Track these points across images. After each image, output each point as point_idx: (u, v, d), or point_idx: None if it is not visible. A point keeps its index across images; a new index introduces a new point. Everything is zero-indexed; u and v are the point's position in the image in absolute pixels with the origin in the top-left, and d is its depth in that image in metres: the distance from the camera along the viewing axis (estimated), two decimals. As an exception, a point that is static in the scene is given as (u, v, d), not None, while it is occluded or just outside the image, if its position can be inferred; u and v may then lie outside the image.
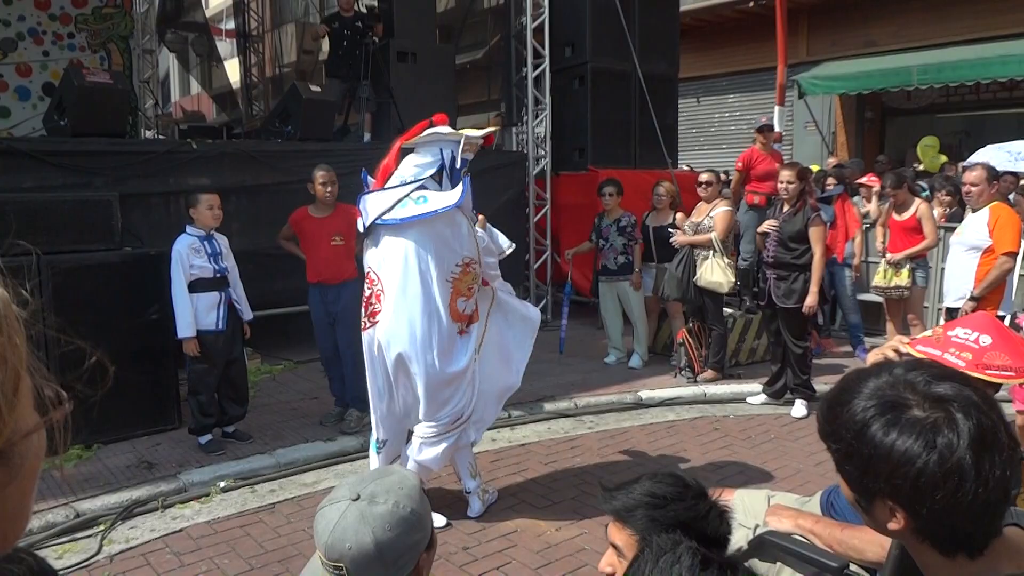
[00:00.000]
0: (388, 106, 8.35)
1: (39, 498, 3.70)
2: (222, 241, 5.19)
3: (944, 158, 11.40)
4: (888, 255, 6.79)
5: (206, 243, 5.04)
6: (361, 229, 4.07)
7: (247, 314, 5.31)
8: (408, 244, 3.87)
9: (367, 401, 5.50)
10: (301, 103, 7.62)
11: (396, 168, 4.04)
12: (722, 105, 15.00)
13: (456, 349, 4.02)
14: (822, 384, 6.18)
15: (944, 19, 11.80)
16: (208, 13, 16.46)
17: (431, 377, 3.94)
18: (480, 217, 4.53)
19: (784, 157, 9.34)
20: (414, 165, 4.00)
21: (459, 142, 4.01)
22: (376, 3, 9.50)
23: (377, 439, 4.24)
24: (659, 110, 9.05)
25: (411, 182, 3.94)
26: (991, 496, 1.06)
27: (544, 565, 3.77)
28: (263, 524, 4.19)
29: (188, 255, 4.93)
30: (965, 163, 8.87)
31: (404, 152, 4.11)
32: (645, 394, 6.33)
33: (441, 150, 4.00)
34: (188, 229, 5.05)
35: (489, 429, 5.58)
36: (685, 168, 10.54)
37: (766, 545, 2.35)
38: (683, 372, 6.76)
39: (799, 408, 5.98)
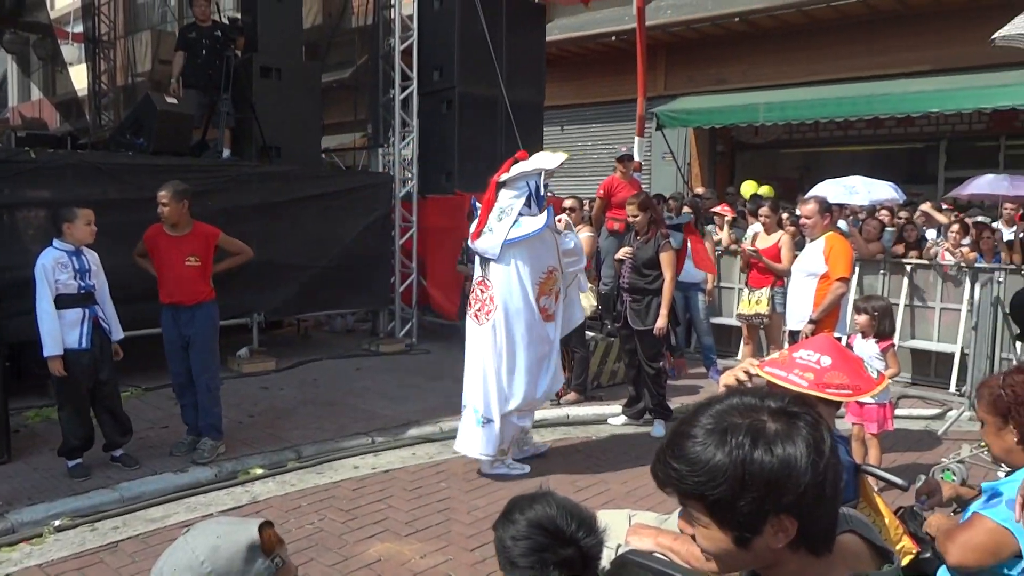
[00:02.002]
0: (250, 122, 8.08)
1: None
2: (92, 257, 4.93)
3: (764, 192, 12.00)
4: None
5: (74, 258, 4.79)
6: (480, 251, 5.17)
7: (116, 333, 5.06)
8: (512, 259, 5.04)
9: (221, 429, 5.33)
10: (155, 114, 7.25)
11: (496, 201, 5.12)
12: (585, 134, 15.46)
13: (543, 335, 5.21)
14: (678, 404, 6.44)
15: (788, 61, 12.68)
16: (53, 15, 15.44)
17: (530, 356, 5.14)
18: (562, 219, 5.68)
19: (643, 185, 9.72)
20: (509, 197, 5.09)
21: (541, 173, 5.10)
22: (239, 15, 9.20)
23: (483, 416, 5.14)
24: (525, 136, 9.21)
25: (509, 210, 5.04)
26: (840, 484, 1.17)
27: (407, 594, 3.70)
28: (104, 565, 3.89)
29: (53, 270, 4.67)
30: (808, 196, 9.53)
31: (499, 185, 5.16)
32: (510, 417, 6.36)
33: (527, 182, 5.07)
34: (55, 243, 4.79)
35: (352, 455, 5.49)
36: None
37: (628, 564, 2.39)
38: (559, 400, 6.83)
39: (658, 428, 6.18)
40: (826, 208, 5.73)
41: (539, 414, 6.45)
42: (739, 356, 7.68)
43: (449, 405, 6.61)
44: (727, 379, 2.27)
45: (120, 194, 6.74)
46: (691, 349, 8.59)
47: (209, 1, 8.45)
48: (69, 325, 4.76)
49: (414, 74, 9.33)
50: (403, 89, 9.30)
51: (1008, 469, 2.51)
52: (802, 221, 5.75)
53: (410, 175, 9.50)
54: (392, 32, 9.37)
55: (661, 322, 5.99)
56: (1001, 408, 2.22)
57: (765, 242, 7.43)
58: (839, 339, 5.44)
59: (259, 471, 5.11)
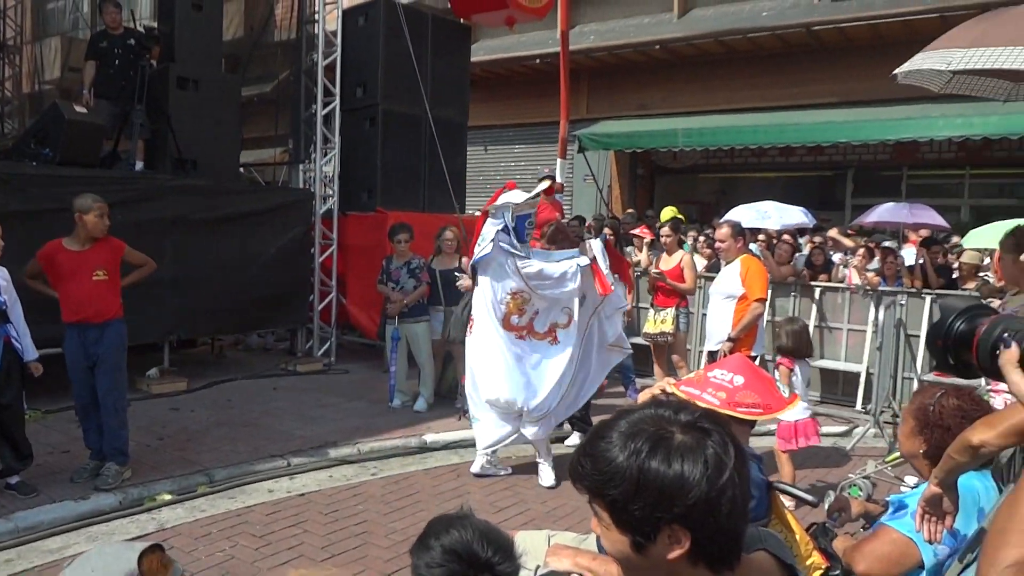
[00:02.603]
0: (165, 133, 7.83)
1: None
2: (1, 273, 4.69)
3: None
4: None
5: None
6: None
7: (29, 353, 4.80)
8: (481, 278, 5.59)
9: (128, 453, 5.10)
10: (63, 124, 6.95)
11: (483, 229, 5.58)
12: (508, 155, 15.57)
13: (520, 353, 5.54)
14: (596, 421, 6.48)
15: (706, 89, 13.09)
16: (-47, 18, 14.66)
17: (508, 365, 5.51)
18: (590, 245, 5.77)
19: (564, 207, 9.82)
20: (490, 224, 5.52)
21: (509, 207, 5.47)
22: (155, 24, 8.94)
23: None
24: (448, 156, 9.21)
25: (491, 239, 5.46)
26: (747, 495, 1.19)
27: (322, 622, 3.59)
28: (-6, 598, 3.67)
29: None
30: (723, 220, 9.81)
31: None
32: (430, 437, 6.30)
33: (503, 213, 5.46)
34: None
35: (266, 479, 5.34)
36: (477, 213, 10.76)
37: (546, 585, 2.39)
38: (467, 415, 6.80)
39: (574, 439, 6.31)
40: (739, 232, 5.95)
41: (459, 434, 6.43)
42: (654, 376, 7.82)
43: (369, 426, 6.52)
44: (644, 398, 2.30)
45: (23, 206, 6.41)
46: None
47: (120, 8, 8.19)
48: None
49: (337, 90, 9.24)
50: (325, 105, 9.20)
51: (913, 485, 2.62)
52: (717, 245, 5.95)
53: (331, 192, 9.37)
54: (315, 47, 9.26)
55: None
56: (922, 418, 2.33)
57: (668, 263, 7.63)
58: (755, 357, 5.62)
59: (167, 497, 4.91)
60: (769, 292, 7.83)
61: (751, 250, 8.25)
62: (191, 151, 7.97)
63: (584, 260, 5.48)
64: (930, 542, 2.01)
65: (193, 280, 7.71)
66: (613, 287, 5.64)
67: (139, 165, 7.76)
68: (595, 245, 5.66)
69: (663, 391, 2.30)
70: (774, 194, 11.29)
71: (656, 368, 7.73)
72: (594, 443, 1.24)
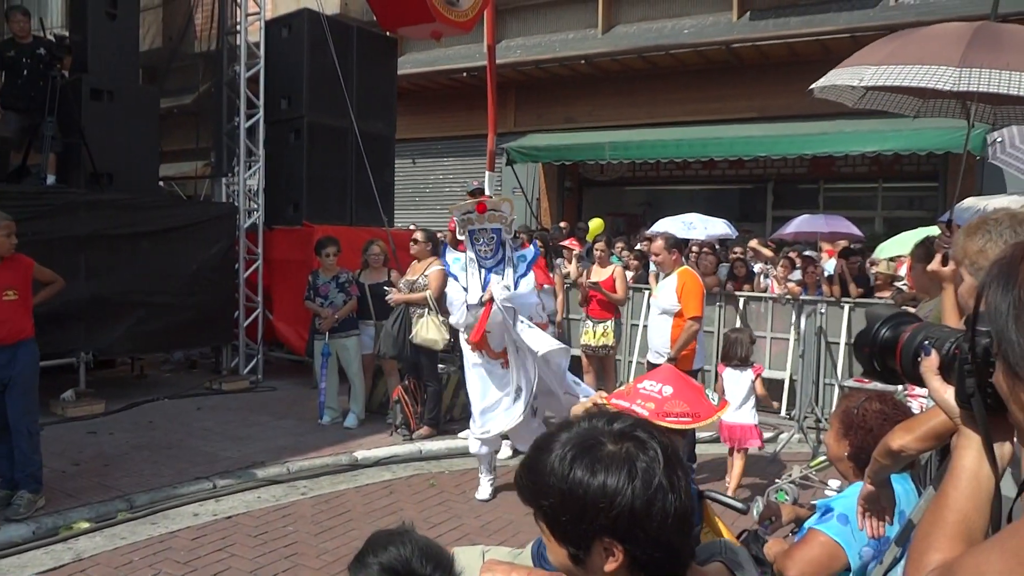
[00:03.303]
0: (78, 147, 7.54)
1: None
2: None
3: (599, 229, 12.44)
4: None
5: None
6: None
7: None
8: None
9: (41, 480, 4.87)
10: (-33, 137, 6.64)
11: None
12: (437, 167, 15.53)
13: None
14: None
15: (631, 104, 13.32)
16: None
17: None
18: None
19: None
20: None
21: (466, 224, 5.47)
22: (67, 33, 8.61)
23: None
24: (376, 168, 9.13)
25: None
26: (684, 506, 1.17)
27: (250, 649, 3.48)
28: None
29: None
30: (650, 232, 10.01)
31: None
32: (361, 454, 6.20)
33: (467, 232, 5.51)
34: None
35: (191, 502, 5.16)
36: (412, 227, 10.67)
37: (481, 602, 2.37)
38: (399, 430, 6.75)
39: (506, 450, 6.30)
40: (673, 244, 5.97)
41: (391, 450, 6.36)
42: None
43: (298, 444, 6.38)
44: (577, 411, 2.31)
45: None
46: (542, 380, 8.70)
47: (28, 17, 7.84)
48: None
49: (260, 102, 9.08)
50: (249, 117, 9.03)
51: (838, 489, 2.69)
52: (652, 257, 6.03)
53: (256, 206, 9.18)
54: (238, 59, 9.07)
55: None
56: (847, 422, 2.40)
57: (600, 275, 7.75)
58: (696, 371, 5.74)
59: (85, 525, 4.69)
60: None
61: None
62: (107, 164, 7.69)
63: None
64: (873, 537, 2.06)
65: (110, 298, 7.43)
66: (538, 295, 5.75)
67: (51, 179, 7.44)
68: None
69: (595, 404, 2.32)
70: (698, 206, 11.57)
71: (586, 378, 7.79)
72: (533, 454, 1.25)
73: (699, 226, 9.60)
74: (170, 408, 7.54)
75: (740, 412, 5.53)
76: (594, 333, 7.70)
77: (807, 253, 9.57)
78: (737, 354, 5.67)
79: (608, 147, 12.45)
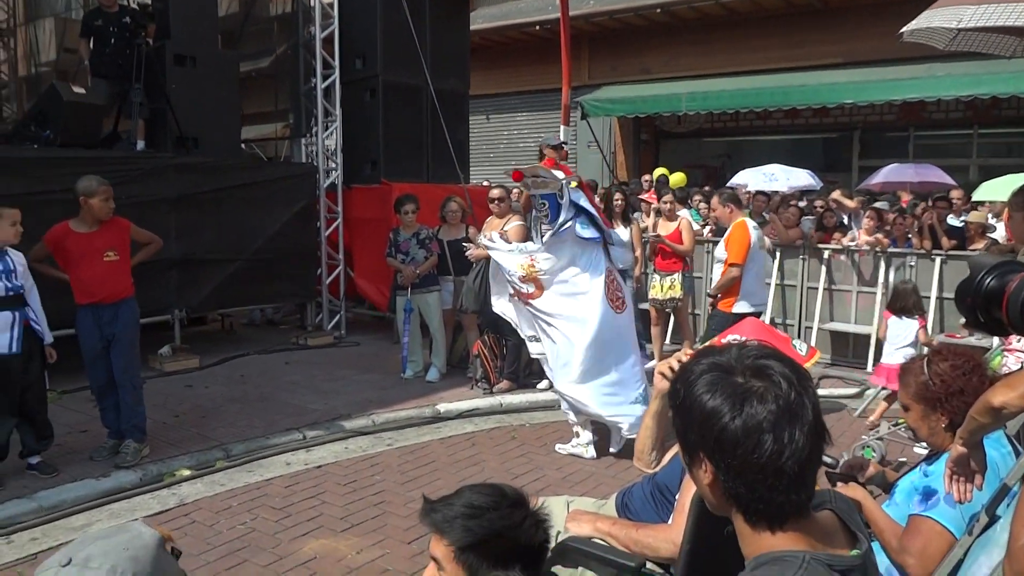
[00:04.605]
0: (164, 112, 7.78)
1: None
2: (17, 258, 4.69)
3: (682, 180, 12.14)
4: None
5: None
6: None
7: (47, 336, 4.82)
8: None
9: (145, 430, 5.14)
10: (62, 105, 6.90)
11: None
12: (511, 123, 15.47)
13: None
14: None
15: (709, 53, 12.96)
16: (-55, 1, 14.51)
17: None
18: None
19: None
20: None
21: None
22: (149, 1, 8.83)
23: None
24: (450, 125, 9.15)
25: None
26: (786, 465, 1.16)
27: (346, 591, 3.64)
28: (23, 577, 3.71)
29: None
30: (731, 183, 9.82)
31: None
32: (443, 407, 6.33)
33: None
34: None
35: (283, 452, 5.38)
36: (486, 183, 10.70)
37: (568, 551, 2.41)
38: (479, 384, 6.85)
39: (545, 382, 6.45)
40: (728, 199, 6.35)
41: (472, 403, 6.47)
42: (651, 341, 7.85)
43: (382, 398, 6.55)
44: (662, 367, 2.30)
45: (26, 188, 6.37)
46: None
47: (113, -14, 8.07)
48: None
49: (336, 63, 9.15)
50: (325, 78, 9.12)
51: (927, 449, 2.60)
52: (711, 213, 6.44)
53: (334, 165, 9.32)
54: (312, 20, 9.15)
55: None
56: (930, 398, 2.30)
57: (667, 228, 7.70)
58: (741, 316, 5.82)
59: (186, 472, 4.94)
60: (778, 256, 7.95)
61: (762, 215, 8.35)
62: (192, 128, 7.92)
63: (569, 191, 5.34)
64: (960, 502, 1.99)
65: (199, 256, 7.71)
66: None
67: (140, 144, 7.71)
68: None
69: (679, 360, 2.29)
70: (780, 157, 11.22)
71: (654, 331, 7.76)
72: (688, 362, 1.32)
73: (781, 177, 9.33)
74: (259, 363, 7.83)
75: (896, 355, 5.76)
76: (661, 287, 7.65)
77: (877, 204, 9.09)
78: (903, 304, 5.97)
79: (685, 98, 12.18)
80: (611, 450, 5.42)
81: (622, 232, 7.85)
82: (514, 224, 6.75)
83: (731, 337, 2.45)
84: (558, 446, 5.53)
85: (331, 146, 9.30)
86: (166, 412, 6.08)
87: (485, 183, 10.59)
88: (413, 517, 4.37)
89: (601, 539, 2.48)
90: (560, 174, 5.43)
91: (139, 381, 5.20)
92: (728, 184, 10.22)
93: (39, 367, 4.84)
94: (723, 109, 12.45)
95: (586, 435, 5.46)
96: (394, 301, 7.51)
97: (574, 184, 5.42)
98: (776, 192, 9.52)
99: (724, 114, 13.08)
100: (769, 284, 8.16)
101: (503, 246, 5.65)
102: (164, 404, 6.25)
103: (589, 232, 5.32)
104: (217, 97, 8.30)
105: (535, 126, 14.81)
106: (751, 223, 6.27)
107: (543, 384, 6.64)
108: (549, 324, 5.37)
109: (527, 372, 7.22)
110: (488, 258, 6.73)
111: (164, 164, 7.57)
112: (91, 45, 8.04)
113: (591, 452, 5.40)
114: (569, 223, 5.26)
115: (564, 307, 5.32)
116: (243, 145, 10.00)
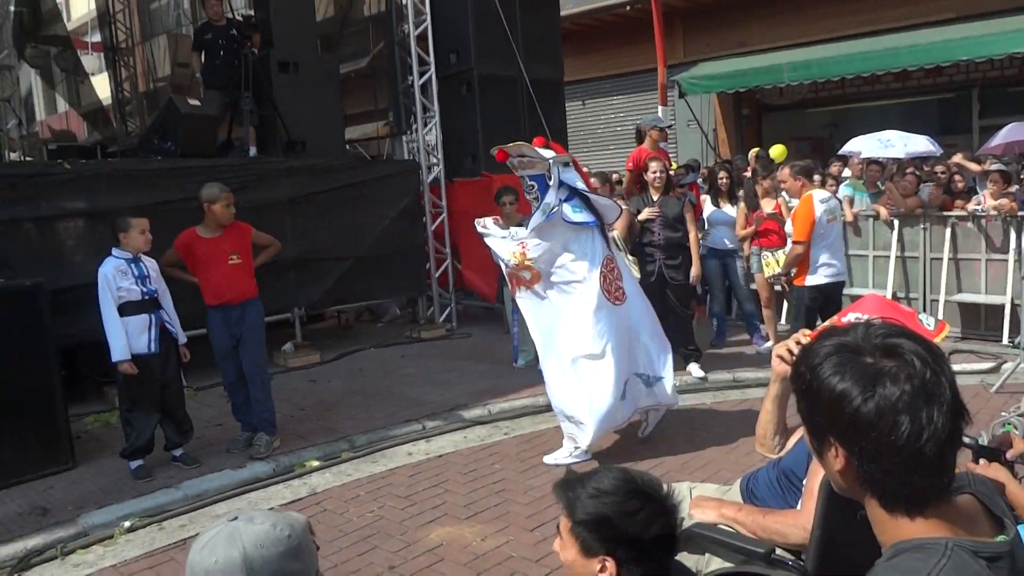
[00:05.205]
0: (273, 118, 8.08)
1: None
2: (150, 264, 5.04)
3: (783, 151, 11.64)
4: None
5: (132, 265, 4.90)
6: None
7: (181, 336, 5.16)
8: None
9: (275, 424, 5.38)
10: (180, 118, 7.29)
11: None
12: (607, 107, 15.31)
13: None
14: (727, 374, 6.53)
15: (809, 19, 12.44)
16: (70, 26, 15.51)
17: None
18: None
19: (670, 155, 9.60)
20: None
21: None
22: (252, 12, 9.18)
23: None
24: (547, 113, 9.12)
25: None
26: (925, 447, 1.10)
27: (475, 577, 3.71)
28: (175, 563, 3.95)
29: (115, 277, 4.79)
30: (843, 151, 9.44)
31: None
32: (557, 395, 6.33)
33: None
34: (114, 252, 4.90)
35: (404, 442, 5.53)
36: (584, 170, 10.66)
37: (693, 537, 2.37)
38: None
39: (695, 368, 6.61)
40: (799, 171, 6.29)
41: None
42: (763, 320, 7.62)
43: (496, 387, 6.62)
44: (780, 350, 2.24)
45: (154, 199, 6.74)
46: (732, 317, 8.48)
47: (220, 0, 8.43)
48: (137, 331, 4.86)
49: (431, 58, 9.27)
50: (421, 75, 9.25)
51: None
52: (781, 185, 6.54)
53: (436, 160, 9.46)
54: (405, 18, 9.29)
55: (695, 270, 6.57)
56: None
57: (768, 205, 7.46)
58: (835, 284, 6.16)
59: (315, 463, 5.15)
60: (896, 225, 7.55)
61: (877, 184, 8.00)
62: (299, 133, 8.20)
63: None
64: None
65: (314, 256, 7.98)
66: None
67: (253, 151, 8.03)
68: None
69: (797, 343, 2.22)
70: (891, 123, 10.65)
71: (765, 312, 7.52)
72: (812, 342, 1.28)
73: (898, 143, 8.86)
74: (376, 356, 8.06)
75: None
76: (767, 264, 7.39)
77: (996, 167, 8.47)
78: None
79: (787, 68, 11.75)
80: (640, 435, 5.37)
81: (728, 210, 7.67)
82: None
83: (852, 315, 2.35)
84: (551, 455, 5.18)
85: (431, 141, 9.44)
86: (292, 406, 6.34)
87: (584, 170, 10.52)
88: (535, 504, 4.42)
89: (727, 525, 2.44)
90: (549, 153, 4.88)
91: (267, 377, 5.45)
92: (840, 152, 9.82)
93: (176, 366, 5.16)
94: (827, 77, 11.94)
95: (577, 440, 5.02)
96: (502, 291, 7.57)
97: (565, 163, 4.97)
98: (890, 159, 9.07)
99: (829, 82, 12.54)
100: (888, 257, 7.82)
101: (497, 232, 5.24)
102: (290, 398, 6.52)
103: (581, 216, 4.83)
104: (320, 100, 8.56)
105: (632, 109, 14.62)
106: (820, 196, 6.18)
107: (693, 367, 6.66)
108: (552, 304, 5.03)
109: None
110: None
111: (275, 168, 7.86)
112: (202, 58, 8.44)
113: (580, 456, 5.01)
114: (557, 207, 4.78)
115: (561, 298, 4.99)
116: (347, 146, 10.29)
